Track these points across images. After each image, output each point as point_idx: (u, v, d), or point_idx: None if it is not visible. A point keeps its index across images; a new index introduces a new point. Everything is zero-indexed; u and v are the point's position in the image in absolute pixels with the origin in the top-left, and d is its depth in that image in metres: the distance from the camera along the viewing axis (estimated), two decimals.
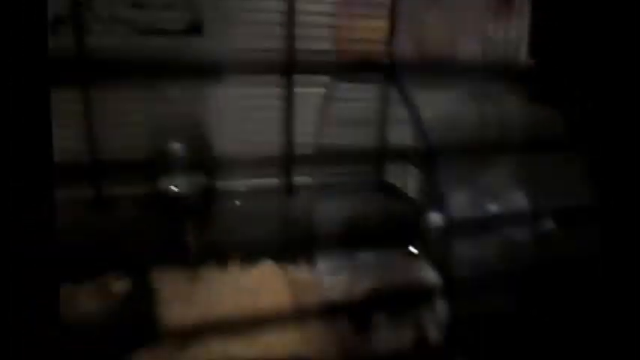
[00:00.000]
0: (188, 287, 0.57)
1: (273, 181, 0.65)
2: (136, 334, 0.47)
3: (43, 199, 0.20)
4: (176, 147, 0.59)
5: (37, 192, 0.20)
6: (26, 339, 0.20)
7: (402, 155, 0.60)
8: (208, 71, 0.56)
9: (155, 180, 0.58)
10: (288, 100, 0.62)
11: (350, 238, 0.57)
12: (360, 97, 0.65)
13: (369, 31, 0.65)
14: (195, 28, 0.56)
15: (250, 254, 0.64)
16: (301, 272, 0.64)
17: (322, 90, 0.61)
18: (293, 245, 0.64)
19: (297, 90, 0.63)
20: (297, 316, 0.48)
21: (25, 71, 0.20)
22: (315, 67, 0.62)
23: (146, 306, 0.51)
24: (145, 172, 0.59)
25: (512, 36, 0.56)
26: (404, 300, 0.44)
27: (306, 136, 0.65)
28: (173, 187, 0.58)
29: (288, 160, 0.65)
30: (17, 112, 0.20)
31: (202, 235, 0.62)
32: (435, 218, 0.44)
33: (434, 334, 0.42)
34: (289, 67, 0.62)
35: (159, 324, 0.50)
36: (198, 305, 0.55)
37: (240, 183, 0.65)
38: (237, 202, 0.63)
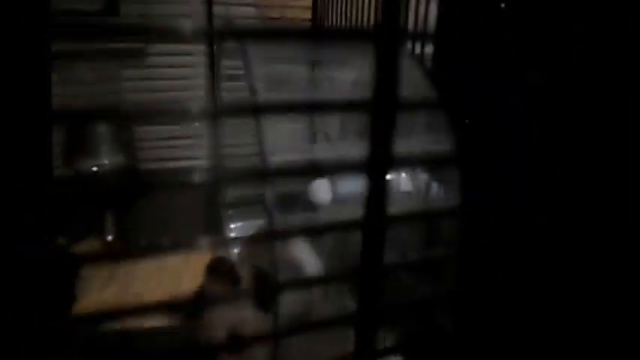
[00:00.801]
0: (109, 268, 0.58)
1: (197, 163, 0.66)
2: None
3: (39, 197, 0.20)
4: (98, 128, 0.58)
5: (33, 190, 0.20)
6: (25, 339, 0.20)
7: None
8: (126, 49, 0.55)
9: (76, 161, 0.58)
10: (212, 68, 0.61)
11: None
12: None
13: None
14: (111, 9, 0.55)
15: (174, 239, 0.64)
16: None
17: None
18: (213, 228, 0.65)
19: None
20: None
21: None
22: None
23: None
24: (65, 154, 0.59)
25: None
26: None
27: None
28: (94, 168, 0.58)
29: (216, 142, 0.65)
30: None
31: (126, 219, 0.62)
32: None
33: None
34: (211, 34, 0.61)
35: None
36: (118, 285, 0.56)
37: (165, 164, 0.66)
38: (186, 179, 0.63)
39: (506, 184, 0.42)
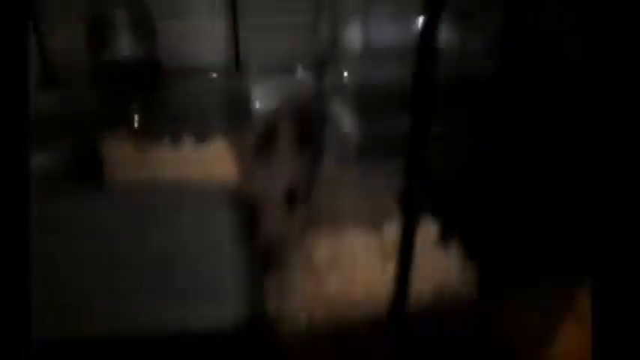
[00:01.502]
0: (138, 155, 0.58)
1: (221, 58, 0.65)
2: None
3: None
4: (118, 14, 0.58)
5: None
6: None
7: None
8: None
9: (98, 53, 0.58)
10: None
11: None
12: None
13: None
14: None
15: (202, 130, 0.65)
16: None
17: None
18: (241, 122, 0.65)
19: None
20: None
21: None
22: None
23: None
24: (88, 44, 0.59)
25: None
26: None
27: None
28: (118, 57, 0.57)
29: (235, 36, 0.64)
30: None
31: (152, 109, 0.62)
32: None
33: None
34: None
35: None
36: (147, 170, 0.57)
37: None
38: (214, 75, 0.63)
39: (515, 155, 0.42)
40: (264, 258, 0.36)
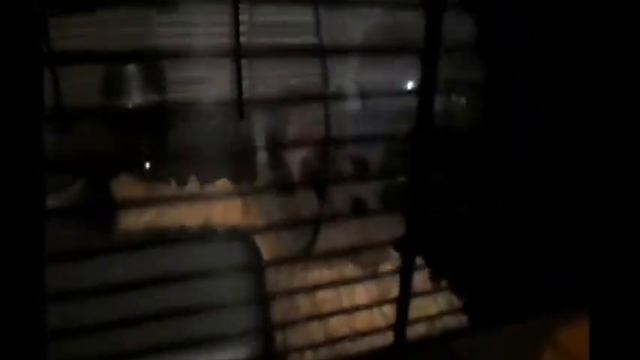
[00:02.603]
0: (146, 197, 0.61)
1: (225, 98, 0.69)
2: None
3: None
4: (130, 68, 0.61)
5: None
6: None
7: None
8: None
9: (111, 99, 0.61)
10: (236, 22, 0.64)
11: None
12: None
13: None
14: None
15: (206, 172, 0.68)
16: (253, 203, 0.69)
17: None
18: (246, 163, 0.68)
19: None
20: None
21: None
22: None
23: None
24: (101, 93, 0.62)
25: None
26: None
27: None
28: (129, 104, 0.61)
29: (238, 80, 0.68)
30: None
31: (160, 153, 0.65)
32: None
33: None
34: None
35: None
36: (155, 211, 0.59)
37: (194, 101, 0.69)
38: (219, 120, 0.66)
39: (514, 152, 0.44)
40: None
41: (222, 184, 0.68)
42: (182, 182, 0.66)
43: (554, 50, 0.39)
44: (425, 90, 0.25)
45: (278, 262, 0.43)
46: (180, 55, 0.65)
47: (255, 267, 0.38)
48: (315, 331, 0.41)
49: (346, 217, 0.39)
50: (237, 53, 0.67)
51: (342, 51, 0.36)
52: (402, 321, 0.27)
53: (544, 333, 0.35)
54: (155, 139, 0.63)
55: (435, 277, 0.47)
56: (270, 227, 0.44)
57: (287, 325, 0.36)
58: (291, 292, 0.33)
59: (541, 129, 0.42)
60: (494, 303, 0.39)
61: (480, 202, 0.44)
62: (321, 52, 0.40)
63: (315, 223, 0.41)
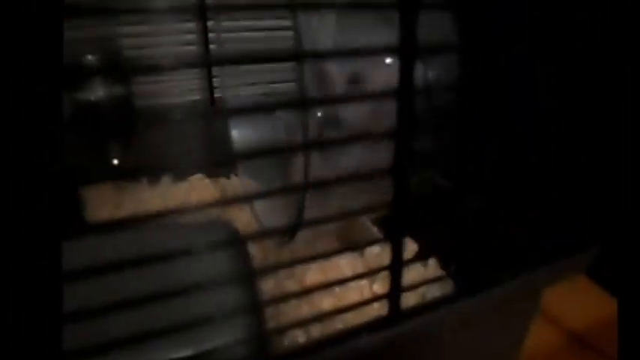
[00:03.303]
0: (116, 197, 0.59)
1: (194, 95, 0.67)
2: None
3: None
4: (90, 59, 0.59)
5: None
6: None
7: None
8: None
9: (72, 93, 0.59)
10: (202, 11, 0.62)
11: None
12: None
13: None
14: None
15: (179, 168, 0.66)
16: (232, 184, 0.67)
17: None
18: (221, 158, 0.67)
19: None
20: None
21: None
22: None
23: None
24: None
25: None
26: None
27: None
28: (92, 98, 0.59)
29: (209, 73, 0.67)
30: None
31: (128, 150, 0.63)
32: None
33: None
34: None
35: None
36: (126, 210, 0.57)
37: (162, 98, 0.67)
38: (178, 116, 0.65)
39: (513, 129, 0.44)
40: None
41: (198, 179, 0.66)
42: (154, 179, 0.64)
43: (553, 29, 0.40)
44: (405, 49, 0.25)
45: (260, 235, 0.41)
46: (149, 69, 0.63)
47: (239, 249, 0.37)
48: (305, 312, 0.40)
49: (331, 184, 0.38)
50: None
51: (314, 5, 0.35)
52: (396, 289, 0.26)
53: (530, 295, 0.35)
54: (122, 135, 0.61)
55: (421, 252, 0.46)
56: (251, 197, 0.43)
57: (276, 301, 0.35)
58: (277, 269, 0.32)
59: (540, 108, 0.42)
60: (480, 271, 0.39)
61: (475, 174, 0.43)
62: (294, 6, 0.39)
63: (301, 191, 0.40)
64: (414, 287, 0.30)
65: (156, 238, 0.32)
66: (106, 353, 0.24)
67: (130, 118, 0.62)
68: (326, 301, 0.42)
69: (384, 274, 0.28)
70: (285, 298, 0.28)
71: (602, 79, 0.23)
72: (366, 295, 0.43)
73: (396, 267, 0.27)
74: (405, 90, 0.25)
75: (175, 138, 0.63)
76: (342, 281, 0.29)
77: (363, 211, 0.41)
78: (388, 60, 0.44)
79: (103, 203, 0.56)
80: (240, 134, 0.61)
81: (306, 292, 0.28)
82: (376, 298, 0.26)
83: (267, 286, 0.43)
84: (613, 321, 0.50)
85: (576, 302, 0.53)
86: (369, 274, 0.31)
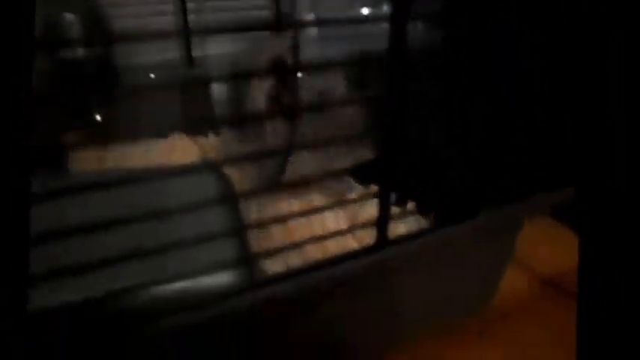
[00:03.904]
0: (99, 153, 0.59)
1: (173, 54, 0.67)
2: None
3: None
4: (69, 18, 0.58)
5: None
6: None
7: None
8: None
9: (51, 52, 0.58)
10: None
11: None
12: None
13: None
14: None
15: (159, 128, 0.66)
16: (210, 143, 0.68)
17: None
18: (201, 118, 0.67)
19: None
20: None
21: None
22: None
23: None
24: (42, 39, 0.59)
25: None
26: None
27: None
28: (72, 56, 0.58)
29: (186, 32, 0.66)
30: None
31: (111, 107, 0.63)
32: None
33: None
34: None
35: None
36: (109, 165, 0.57)
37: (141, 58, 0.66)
38: (152, 75, 0.64)
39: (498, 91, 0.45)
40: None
41: (178, 137, 0.67)
42: (136, 137, 0.64)
43: None
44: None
45: (249, 193, 0.42)
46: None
47: (229, 198, 0.38)
48: (292, 257, 0.42)
49: (317, 144, 0.39)
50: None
51: None
52: (384, 218, 0.28)
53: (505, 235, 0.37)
54: (104, 92, 0.61)
55: (400, 200, 0.48)
56: (238, 159, 0.44)
57: (267, 253, 0.37)
58: (266, 222, 0.33)
59: (525, 70, 0.43)
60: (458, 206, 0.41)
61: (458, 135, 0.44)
62: None
63: (284, 153, 0.41)
64: (400, 216, 0.32)
65: (145, 192, 0.33)
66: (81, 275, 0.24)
67: (112, 75, 0.62)
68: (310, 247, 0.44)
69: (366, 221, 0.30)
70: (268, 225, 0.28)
71: (586, 38, 0.23)
72: (348, 240, 0.45)
73: (384, 197, 0.29)
74: (394, 53, 0.26)
75: (156, 97, 0.63)
76: (333, 234, 0.31)
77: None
78: None
79: (86, 159, 0.57)
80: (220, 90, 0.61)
81: (296, 245, 0.30)
82: (365, 225, 0.28)
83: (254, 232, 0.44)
84: None
85: (550, 249, 0.56)
86: (359, 199, 0.32)
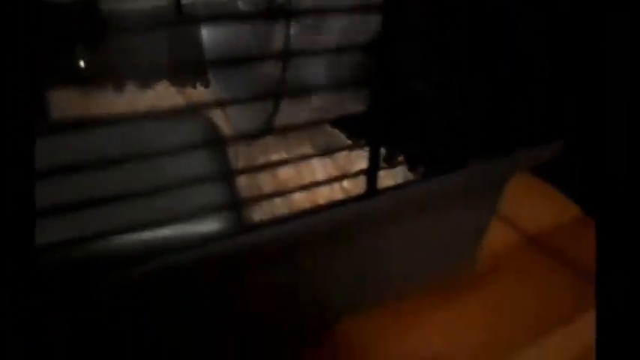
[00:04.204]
0: (82, 102, 0.58)
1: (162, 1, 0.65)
2: None
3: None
4: None
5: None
6: None
7: None
8: None
9: None
10: None
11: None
12: None
13: None
14: None
15: (145, 76, 0.65)
16: (198, 93, 0.67)
17: None
18: (187, 66, 0.65)
19: None
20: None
21: None
22: None
23: None
24: None
25: None
26: None
27: None
28: (55, 2, 0.56)
29: None
30: None
31: (93, 56, 0.61)
32: None
33: None
34: None
35: None
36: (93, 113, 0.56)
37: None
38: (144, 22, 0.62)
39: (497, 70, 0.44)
40: None
41: (164, 87, 0.65)
42: (120, 86, 0.63)
43: None
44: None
45: (240, 138, 0.42)
46: None
47: (218, 143, 0.37)
48: (280, 205, 0.42)
49: (307, 91, 0.38)
50: None
51: None
52: (373, 167, 0.28)
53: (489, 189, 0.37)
54: (89, 38, 0.59)
55: (389, 155, 0.48)
56: (227, 103, 0.43)
57: (254, 199, 0.37)
58: (255, 168, 0.33)
59: (525, 50, 0.42)
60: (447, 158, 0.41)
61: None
62: None
63: (275, 99, 0.41)
64: (389, 167, 0.32)
65: (132, 135, 0.32)
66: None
67: (97, 21, 0.60)
68: (299, 195, 0.44)
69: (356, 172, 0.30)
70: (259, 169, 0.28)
71: (586, 20, 0.23)
72: (337, 188, 0.45)
73: (374, 148, 0.29)
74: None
75: (142, 43, 0.62)
76: (322, 182, 0.31)
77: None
78: None
79: (70, 107, 0.55)
80: (210, 38, 0.60)
81: (284, 192, 0.30)
82: (355, 174, 0.28)
83: (243, 182, 0.44)
84: (575, 226, 0.54)
85: (533, 205, 0.57)
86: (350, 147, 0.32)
